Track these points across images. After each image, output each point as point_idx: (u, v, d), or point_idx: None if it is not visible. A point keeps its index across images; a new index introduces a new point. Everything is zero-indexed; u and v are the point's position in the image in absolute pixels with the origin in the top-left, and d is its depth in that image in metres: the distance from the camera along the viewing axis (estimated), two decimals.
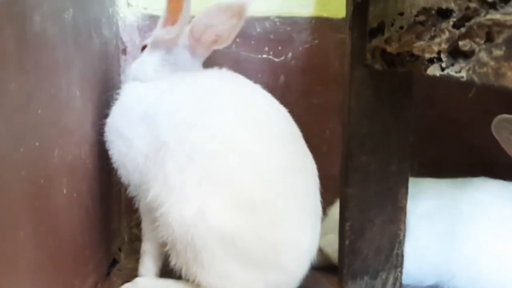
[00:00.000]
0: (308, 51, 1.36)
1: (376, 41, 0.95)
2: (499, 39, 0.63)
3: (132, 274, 1.14)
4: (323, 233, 1.23)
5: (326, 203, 1.26)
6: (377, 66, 0.97)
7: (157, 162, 1.00)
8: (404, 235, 1.10)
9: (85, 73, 1.04)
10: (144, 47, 1.16)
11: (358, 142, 1.06)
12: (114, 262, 1.24)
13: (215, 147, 0.98)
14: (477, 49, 0.67)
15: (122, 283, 1.11)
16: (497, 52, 0.63)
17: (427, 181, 1.22)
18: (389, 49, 0.89)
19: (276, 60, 1.34)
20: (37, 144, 0.80)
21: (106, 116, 1.09)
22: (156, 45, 1.12)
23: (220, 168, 0.97)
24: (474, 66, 0.67)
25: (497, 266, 1.11)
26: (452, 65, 0.71)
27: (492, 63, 0.64)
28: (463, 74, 0.68)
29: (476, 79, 0.65)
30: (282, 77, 1.35)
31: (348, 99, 1.05)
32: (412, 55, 0.82)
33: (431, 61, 0.76)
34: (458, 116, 1.39)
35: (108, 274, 1.19)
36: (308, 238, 1.03)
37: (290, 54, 1.34)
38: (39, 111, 0.82)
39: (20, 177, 0.76)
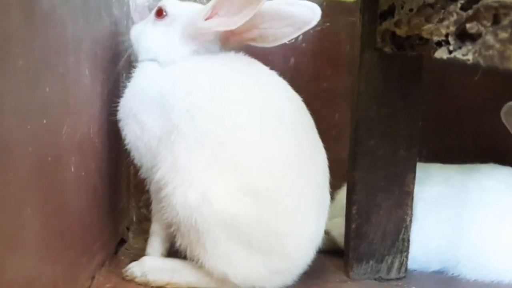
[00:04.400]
0: (319, 34, 1.35)
1: (386, 24, 0.95)
2: (505, 21, 0.63)
3: (140, 253, 1.14)
4: (330, 217, 1.23)
5: (334, 187, 1.27)
6: (387, 49, 0.96)
7: (168, 145, 1.01)
8: (410, 220, 1.10)
9: (94, 52, 1.04)
10: (160, 12, 1.09)
11: (367, 126, 1.06)
12: (122, 242, 1.24)
13: (224, 133, 0.97)
14: (483, 32, 0.66)
15: (130, 262, 1.12)
16: (503, 35, 0.63)
17: (435, 166, 1.21)
18: (398, 32, 0.89)
19: (287, 42, 1.34)
20: (44, 121, 0.81)
21: (115, 95, 1.09)
22: (195, 36, 1.06)
23: (227, 154, 0.97)
24: (480, 48, 0.66)
25: (503, 254, 1.11)
26: (460, 48, 0.71)
27: (497, 45, 0.63)
28: (470, 57, 0.68)
29: (481, 61, 0.65)
30: (292, 60, 1.35)
31: (357, 83, 1.05)
32: (421, 38, 0.82)
33: (439, 44, 0.76)
34: (468, 102, 1.38)
35: (116, 253, 1.19)
36: (313, 229, 1.02)
37: (300, 37, 1.34)
38: (47, 89, 0.82)
39: (27, 153, 0.76)
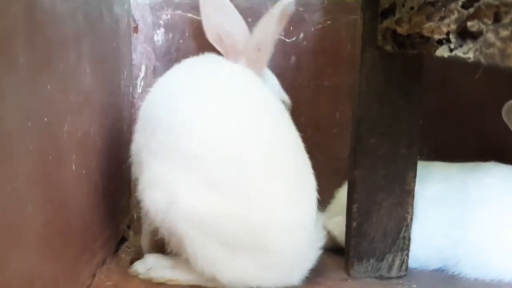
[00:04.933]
0: (320, 32, 1.35)
1: (387, 22, 0.95)
2: (506, 19, 0.62)
3: (140, 251, 1.14)
4: (331, 215, 1.23)
5: (335, 186, 1.27)
6: (388, 48, 0.96)
7: (139, 145, 1.03)
8: (411, 219, 1.10)
9: (95, 50, 1.04)
10: None
11: (368, 124, 1.06)
12: (123, 240, 1.24)
13: (179, 126, 0.96)
14: (485, 30, 0.66)
15: (130, 260, 1.12)
16: (504, 33, 0.63)
17: (436, 164, 1.21)
18: (399, 30, 0.89)
19: (288, 40, 1.34)
20: (45, 119, 0.81)
21: (116, 94, 1.09)
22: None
23: (187, 149, 0.95)
24: (481, 47, 0.66)
25: (504, 252, 1.10)
26: (461, 46, 0.70)
27: (498, 43, 0.63)
28: (470, 55, 0.68)
29: (482, 60, 0.65)
30: (293, 58, 1.35)
31: (358, 81, 1.05)
32: (422, 36, 0.82)
33: (440, 42, 0.76)
34: (470, 101, 1.37)
35: (116, 251, 1.19)
36: (293, 216, 0.98)
37: (301, 35, 1.33)
38: (48, 86, 0.82)
39: (28, 151, 0.76)
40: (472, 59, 0.67)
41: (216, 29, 1.15)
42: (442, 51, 0.74)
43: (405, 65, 1.03)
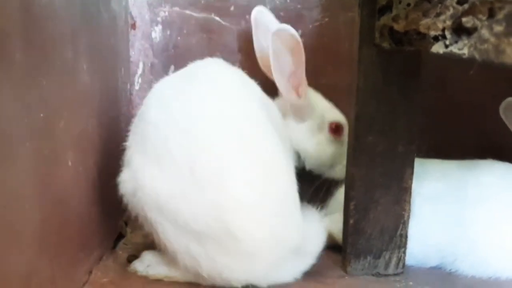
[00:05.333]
0: (318, 29, 1.35)
1: (384, 19, 0.95)
2: (500, 15, 0.62)
3: (138, 248, 1.15)
4: (329, 213, 1.23)
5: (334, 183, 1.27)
6: (385, 45, 0.96)
7: None
8: (408, 216, 1.10)
9: (92, 47, 1.04)
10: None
11: (366, 122, 1.06)
12: (120, 236, 1.24)
13: (148, 116, 0.98)
14: (479, 26, 0.66)
15: (128, 257, 1.12)
16: (498, 28, 0.62)
17: (434, 162, 1.21)
18: (396, 27, 0.89)
19: None
20: (41, 115, 0.81)
21: (114, 91, 1.09)
22: None
23: (154, 137, 0.96)
24: (475, 42, 0.66)
25: (501, 250, 1.10)
26: (456, 42, 0.70)
27: (492, 39, 0.63)
28: (465, 51, 0.68)
29: (477, 56, 0.65)
30: None
31: (356, 79, 1.05)
32: (418, 33, 0.81)
33: (436, 38, 0.75)
34: (468, 99, 1.37)
35: (114, 247, 1.19)
36: (256, 198, 0.95)
37: (300, 32, 1.33)
38: (44, 82, 0.82)
39: (25, 148, 0.76)
40: (467, 55, 0.67)
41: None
42: (438, 48, 0.74)
43: (403, 63, 1.03)
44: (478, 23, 0.66)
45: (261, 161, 0.97)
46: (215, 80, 1.03)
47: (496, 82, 1.26)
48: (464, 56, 0.68)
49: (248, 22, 1.21)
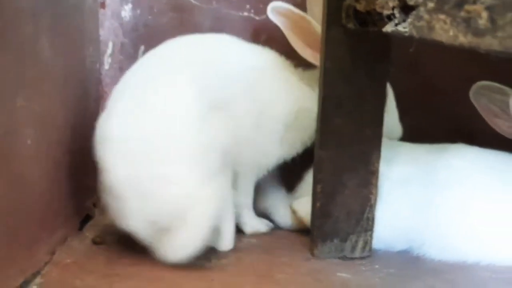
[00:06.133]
0: None
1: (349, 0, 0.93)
2: None
3: (106, 230, 1.14)
4: (298, 196, 1.23)
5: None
6: (351, 26, 0.95)
7: None
8: (375, 199, 1.09)
9: (55, 24, 1.02)
10: None
11: (333, 104, 1.05)
12: (88, 218, 1.23)
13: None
14: (420, 3, 0.65)
15: (93, 238, 1.12)
16: (430, 5, 0.63)
17: (404, 145, 1.20)
18: (358, 7, 0.88)
19: (257, 18, 1.32)
20: None
21: (81, 70, 1.08)
22: None
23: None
24: (413, 20, 0.66)
25: (468, 234, 1.10)
26: (404, 21, 0.70)
27: (426, 16, 0.64)
28: (407, 29, 0.67)
29: (415, 33, 0.66)
30: (263, 36, 1.33)
31: (323, 60, 1.04)
32: (378, 13, 0.80)
33: (389, 18, 0.75)
34: (440, 82, 1.36)
35: (80, 229, 1.18)
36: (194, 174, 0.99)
37: None
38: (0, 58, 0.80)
39: None
40: (408, 33, 0.67)
41: None
42: (388, 27, 0.74)
43: (371, 45, 1.02)
44: (419, 0, 0.66)
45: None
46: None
47: (468, 66, 1.25)
48: (406, 34, 0.67)
49: (219, 1, 1.19)
